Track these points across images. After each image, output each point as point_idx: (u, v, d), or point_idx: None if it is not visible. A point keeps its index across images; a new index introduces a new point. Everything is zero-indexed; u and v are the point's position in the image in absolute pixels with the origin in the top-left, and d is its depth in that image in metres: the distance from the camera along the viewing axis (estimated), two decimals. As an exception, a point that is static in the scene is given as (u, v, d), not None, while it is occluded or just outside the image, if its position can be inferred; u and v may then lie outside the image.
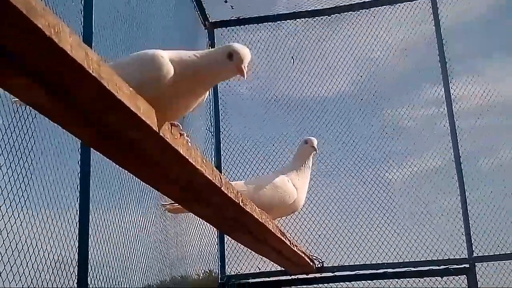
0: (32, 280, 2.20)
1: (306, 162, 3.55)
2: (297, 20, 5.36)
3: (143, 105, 1.47)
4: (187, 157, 1.73)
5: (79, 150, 2.62)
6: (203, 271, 4.82)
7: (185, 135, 1.73)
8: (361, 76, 5.17)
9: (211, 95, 5.16)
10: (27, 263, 2.18)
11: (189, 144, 1.76)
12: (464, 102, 4.86)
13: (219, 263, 4.83)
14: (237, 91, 5.35)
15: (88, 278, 2.60)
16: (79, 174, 2.61)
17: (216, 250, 4.87)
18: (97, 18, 2.82)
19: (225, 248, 4.89)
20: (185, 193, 2.02)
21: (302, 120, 5.16)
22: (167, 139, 1.61)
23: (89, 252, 2.67)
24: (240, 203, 2.28)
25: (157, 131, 1.54)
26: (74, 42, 1.17)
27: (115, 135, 1.50)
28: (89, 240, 2.65)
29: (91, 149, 2.48)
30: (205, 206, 2.23)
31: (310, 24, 5.33)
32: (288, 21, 5.38)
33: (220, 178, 2.03)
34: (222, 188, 2.04)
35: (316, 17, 5.30)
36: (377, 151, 4.95)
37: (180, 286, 4.34)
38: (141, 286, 3.53)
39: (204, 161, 1.87)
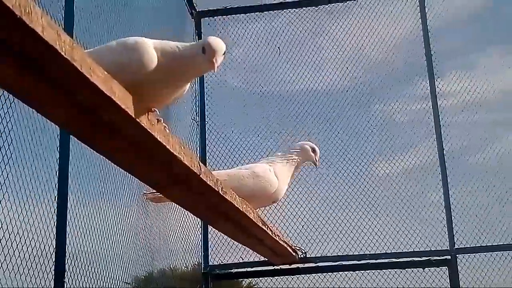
0: (6, 269, 2.17)
1: (294, 162, 3.50)
2: (286, 11, 5.33)
3: (118, 89, 1.46)
4: (164, 144, 1.73)
5: (58, 136, 2.60)
6: (192, 263, 4.81)
7: (162, 121, 1.72)
8: (347, 68, 5.15)
9: (197, 84, 5.15)
10: (2, 251, 2.16)
11: (167, 130, 1.75)
12: (453, 97, 4.89)
13: (202, 253, 4.83)
14: (223, 81, 5.34)
15: (67, 266, 2.58)
16: (57, 161, 2.59)
17: (199, 240, 4.87)
18: (79, 5, 2.80)
19: (209, 238, 4.89)
20: (163, 180, 2.02)
21: (290, 112, 5.15)
22: (143, 125, 1.60)
23: (68, 242, 2.64)
24: (220, 191, 2.28)
25: (133, 116, 1.53)
26: (46, 23, 1.15)
27: (90, 119, 1.49)
28: (68, 230, 2.62)
29: (71, 136, 2.46)
30: (185, 194, 2.23)
31: (300, 16, 5.31)
32: (277, 11, 5.36)
33: (199, 165, 2.02)
34: (201, 175, 2.04)
35: (305, 8, 5.27)
36: (364, 145, 4.95)
37: (169, 278, 4.34)
38: (128, 278, 3.52)
39: (183, 148, 1.86)
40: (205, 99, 5.17)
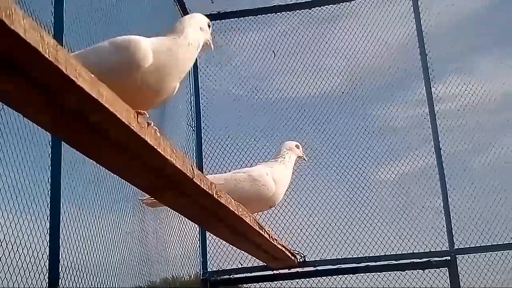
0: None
1: (292, 162, 3.57)
2: (282, 18, 5.32)
3: (106, 92, 1.43)
4: (155, 147, 1.70)
5: (50, 143, 2.57)
6: (190, 270, 4.78)
7: (152, 124, 1.70)
8: (344, 74, 5.15)
9: (191, 90, 5.13)
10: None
11: (158, 133, 1.73)
12: (450, 101, 4.89)
13: (201, 259, 4.80)
14: (219, 87, 5.32)
15: (61, 273, 2.55)
16: (49, 167, 2.56)
17: (198, 247, 4.84)
18: (68, 9, 2.78)
19: (207, 244, 4.86)
20: (156, 185, 1.99)
21: (287, 118, 5.14)
22: (133, 128, 1.57)
23: (62, 250, 2.61)
24: (214, 195, 2.25)
25: (122, 119, 1.51)
26: (28, 25, 1.13)
27: (78, 123, 1.47)
28: (61, 237, 2.59)
29: (62, 143, 2.44)
30: (178, 198, 2.20)
31: (296, 23, 5.30)
32: (269, 15, 5.34)
33: (192, 168, 1.99)
34: (194, 179, 2.01)
35: (302, 15, 5.26)
36: (362, 150, 4.94)
37: (167, 286, 4.31)
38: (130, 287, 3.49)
39: (174, 151, 1.84)
40: (201, 104, 5.15)
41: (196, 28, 2.09)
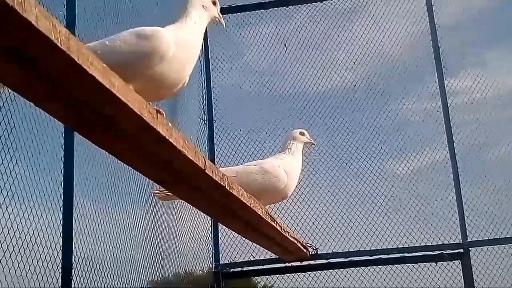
0: (12, 267, 2.16)
1: (299, 151, 3.58)
2: (292, 8, 5.30)
3: (118, 82, 1.44)
4: (167, 137, 1.70)
5: (63, 134, 2.58)
6: (202, 262, 4.79)
7: (162, 112, 1.70)
8: (357, 68, 5.12)
9: (203, 84, 5.13)
10: (6, 261, 2.15)
11: (169, 124, 1.73)
12: (464, 95, 4.86)
13: (213, 252, 4.80)
14: (230, 81, 5.32)
15: (76, 277, 2.56)
16: (62, 159, 2.57)
17: (210, 239, 4.85)
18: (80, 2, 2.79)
19: (219, 237, 4.86)
20: (168, 176, 2.00)
21: (299, 111, 5.13)
22: (145, 118, 1.57)
23: (76, 246, 2.63)
24: (226, 186, 2.25)
25: (134, 110, 1.51)
26: (40, 13, 1.14)
27: (90, 113, 1.47)
28: (74, 229, 2.61)
29: (75, 134, 2.45)
30: (190, 190, 2.21)
31: (310, 17, 5.28)
32: (281, 8, 5.32)
33: (204, 160, 2.00)
34: (206, 170, 2.02)
35: (314, 9, 5.24)
36: (375, 143, 4.92)
37: (180, 278, 4.32)
38: (143, 283, 3.51)
39: (186, 142, 1.84)
40: (212, 98, 5.15)
41: (198, 7, 2.12)
